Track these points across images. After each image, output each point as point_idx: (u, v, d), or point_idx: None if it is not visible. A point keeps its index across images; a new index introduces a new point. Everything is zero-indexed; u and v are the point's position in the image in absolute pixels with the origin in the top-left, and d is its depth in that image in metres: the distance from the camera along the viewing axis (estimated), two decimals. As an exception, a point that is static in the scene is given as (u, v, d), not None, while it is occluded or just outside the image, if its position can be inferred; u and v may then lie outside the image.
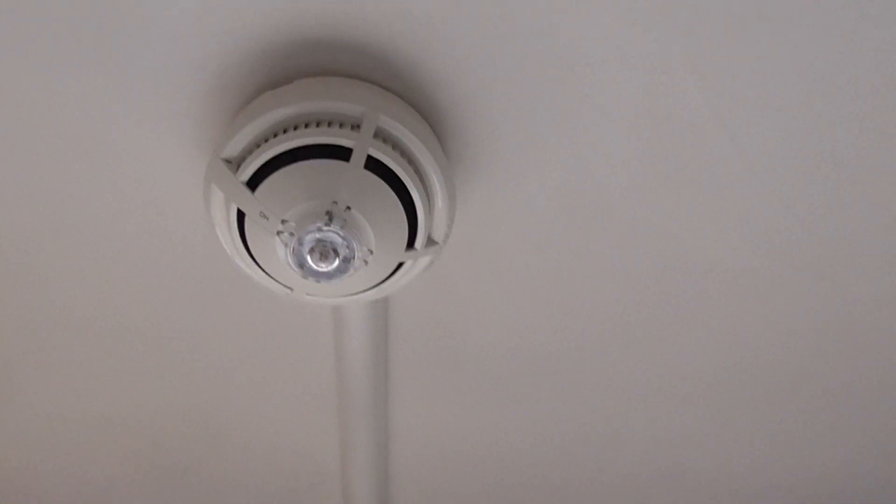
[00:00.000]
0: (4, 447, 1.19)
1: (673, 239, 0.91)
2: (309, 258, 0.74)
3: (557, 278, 0.96)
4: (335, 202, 0.73)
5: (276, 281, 0.81)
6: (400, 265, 0.81)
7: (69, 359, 1.07)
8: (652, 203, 0.87)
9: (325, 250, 0.74)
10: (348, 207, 0.74)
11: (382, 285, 0.83)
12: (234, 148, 0.77)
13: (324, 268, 0.74)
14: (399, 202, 0.76)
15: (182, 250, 0.94)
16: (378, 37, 0.76)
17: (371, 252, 0.76)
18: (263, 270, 0.80)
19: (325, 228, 0.73)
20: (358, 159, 0.74)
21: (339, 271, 0.75)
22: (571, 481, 1.24)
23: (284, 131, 0.75)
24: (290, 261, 0.75)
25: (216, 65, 0.78)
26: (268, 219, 0.75)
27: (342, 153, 0.74)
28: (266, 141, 0.76)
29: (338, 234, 0.73)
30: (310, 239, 0.74)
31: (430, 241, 0.82)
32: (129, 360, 1.07)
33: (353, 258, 0.75)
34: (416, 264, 0.83)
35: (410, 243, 0.80)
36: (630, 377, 1.07)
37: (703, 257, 0.93)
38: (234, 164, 0.77)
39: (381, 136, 0.76)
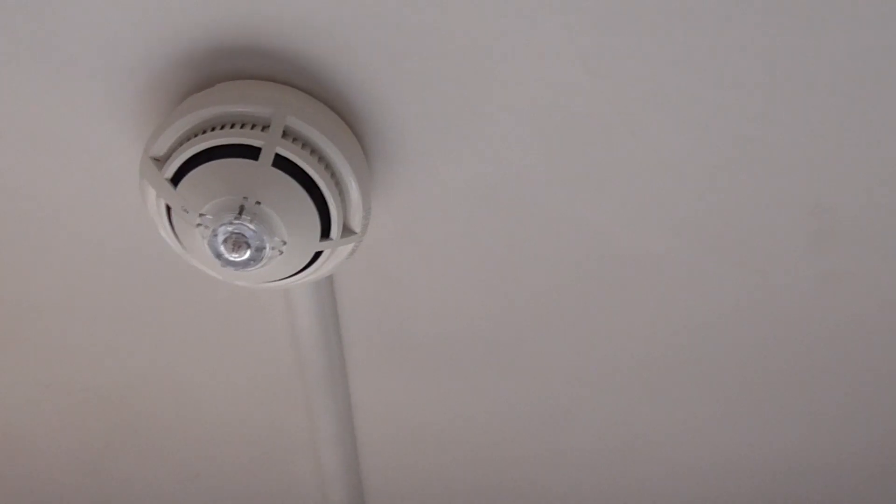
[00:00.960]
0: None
1: (586, 226, 0.95)
2: (223, 248, 0.81)
3: (484, 263, 1.02)
4: (246, 197, 0.80)
5: (209, 269, 0.89)
6: (318, 253, 0.87)
7: (51, 335, 1.16)
8: (563, 192, 0.92)
9: (237, 241, 0.81)
10: (258, 202, 0.80)
11: (307, 270, 0.90)
12: (160, 147, 0.84)
13: (236, 257, 0.81)
14: (308, 196, 0.82)
15: (136, 235, 1.02)
16: (293, 42, 0.82)
17: (284, 243, 0.83)
18: (192, 256, 0.88)
19: (237, 221, 0.80)
20: (266, 158, 0.80)
21: (253, 260, 0.82)
22: (517, 449, 1.30)
23: (204, 132, 0.82)
24: (208, 250, 0.82)
25: (147, 69, 0.85)
26: (188, 213, 0.82)
27: (254, 152, 0.81)
28: (188, 140, 0.83)
29: (247, 226, 0.80)
30: (223, 231, 0.81)
31: (348, 231, 0.88)
32: (102, 338, 1.16)
33: (265, 248, 0.82)
34: (338, 252, 0.89)
35: (326, 234, 0.86)
36: (551, 359, 1.12)
37: (618, 245, 0.97)
38: (161, 161, 0.84)
39: (290, 135, 0.82)
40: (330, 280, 1.06)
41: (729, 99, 0.83)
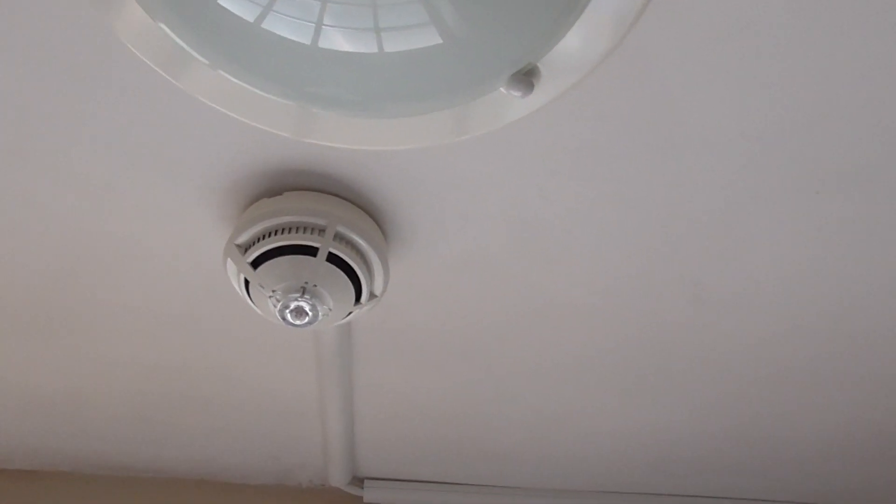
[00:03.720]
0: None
1: (535, 284, 1.35)
2: (289, 315, 1.17)
3: (455, 301, 1.40)
4: (307, 282, 1.15)
5: (268, 317, 1.24)
6: (350, 312, 1.24)
7: (119, 327, 1.51)
8: (519, 262, 1.31)
9: (300, 311, 1.16)
10: (315, 285, 1.16)
11: (343, 320, 1.26)
12: (243, 238, 1.18)
13: (298, 322, 1.17)
14: (349, 280, 1.18)
15: (206, 274, 1.36)
16: (339, 165, 1.15)
17: (330, 310, 1.19)
18: (259, 311, 1.23)
19: (300, 299, 1.16)
20: (322, 255, 1.15)
21: (309, 323, 1.18)
22: (465, 412, 1.72)
23: (277, 232, 1.16)
24: (277, 315, 1.18)
25: (230, 175, 1.18)
26: (263, 288, 1.17)
27: (312, 250, 1.16)
28: (265, 237, 1.17)
29: (307, 302, 1.16)
30: (290, 305, 1.16)
31: (372, 296, 1.24)
32: (172, 337, 1.51)
33: (318, 315, 1.18)
34: (365, 308, 1.25)
35: (357, 299, 1.22)
36: (499, 358, 1.54)
37: (546, 293, 1.37)
38: (243, 248, 1.18)
39: (338, 237, 1.17)
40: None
41: (626, 209, 1.21)
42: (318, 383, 1.61)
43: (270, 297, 1.17)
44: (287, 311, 1.16)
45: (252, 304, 1.23)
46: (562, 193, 1.17)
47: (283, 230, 1.16)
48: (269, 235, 1.17)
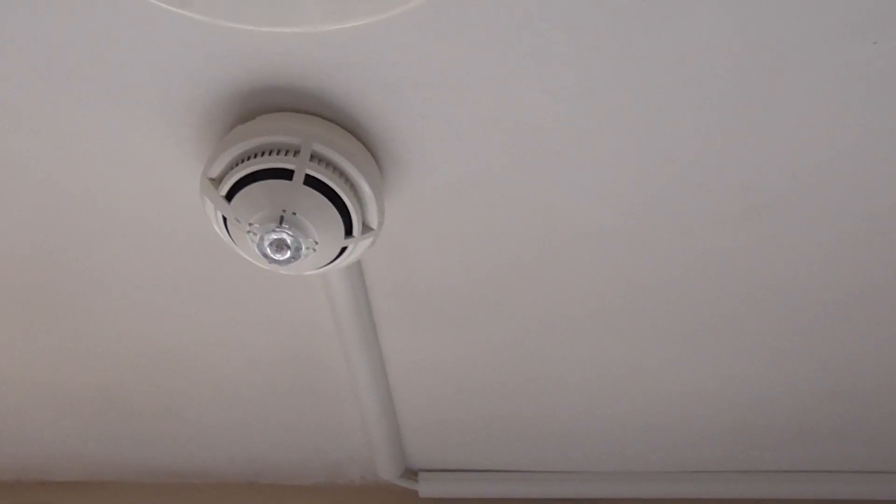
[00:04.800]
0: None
1: (541, 205, 1.18)
2: (269, 250, 1.04)
3: (469, 240, 1.24)
4: (284, 210, 1.02)
5: (256, 262, 1.11)
6: (344, 248, 1.09)
7: (125, 305, 1.41)
8: (525, 182, 1.14)
9: (280, 244, 1.03)
10: (294, 213, 1.02)
11: (338, 260, 1.12)
12: (215, 169, 1.06)
13: (280, 257, 1.04)
14: (333, 206, 1.04)
15: (197, 230, 1.25)
16: (317, 80, 1.02)
17: (317, 242, 1.05)
18: (244, 254, 1.11)
19: (278, 229, 1.02)
20: (298, 178, 1.02)
21: (293, 258, 1.05)
22: (509, 383, 1.54)
23: (249, 158, 1.04)
24: (257, 251, 1.05)
25: (198, 105, 1.06)
26: (240, 222, 1.04)
27: (289, 173, 1.03)
28: (238, 164, 1.04)
29: (288, 232, 1.03)
30: (268, 237, 1.03)
31: (367, 228, 1.10)
32: (178, 310, 1.41)
33: (302, 248, 1.04)
34: (360, 244, 1.11)
35: (349, 232, 1.08)
36: (530, 309, 1.36)
37: (568, 219, 1.19)
38: (217, 180, 1.06)
39: (316, 158, 1.03)
40: (353, 264, 1.29)
41: (652, 105, 1.03)
42: (344, 355, 1.47)
43: (248, 231, 1.04)
44: (266, 245, 1.04)
45: (235, 248, 1.11)
46: (561, 82, 1.00)
47: (254, 155, 1.04)
48: (241, 163, 1.04)
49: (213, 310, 1.41)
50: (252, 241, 1.04)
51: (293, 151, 1.03)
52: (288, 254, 1.04)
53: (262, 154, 1.04)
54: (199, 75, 1.03)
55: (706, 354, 1.42)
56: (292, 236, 1.03)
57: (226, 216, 1.06)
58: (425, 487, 1.78)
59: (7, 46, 0.99)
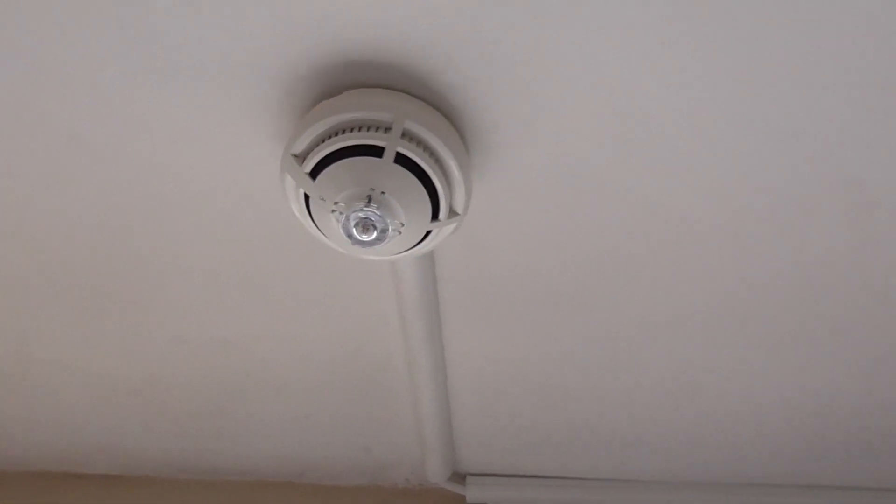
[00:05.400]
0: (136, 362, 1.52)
1: (646, 199, 1.12)
2: (355, 230, 0.99)
3: (558, 231, 1.19)
4: (373, 188, 0.98)
5: (336, 244, 1.07)
6: (429, 232, 1.05)
7: (188, 295, 1.37)
8: (626, 173, 1.08)
9: (366, 224, 0.99)
10: (383, 192, 0.98)
11: (419, 246, 1.07)
12: (299, 146, 1.01)
13: (365, 238, 0.99)
14: (422, 186, 0.99)
15: (268, 214, 1.20)
16: (410, 56, 0.98)
17: (403, 224, 1.00)
18: (325, 235, 1.06)
19: (366, 208, 0.98)
20: (389, 156, 0.97)
21: (378, 240, 1.00)
22: (580, 384, 1.47)
23: (336, 134, 0.99)
24: (342, 232, 1.00)
25: (283, 79, 1.02)
26: (325, 201, 1.00)
27: (378, 151, 0.98)
28: (323, 141, 1.00)
29: (375, 212, 0.98)
30: (355, 216, 0.98)
31: (453, 213, 1.05)
32: (234, 298, 1.36)
33: (388, 230, 1.00)
34: (443, 230, 1.06)
35: (435, 216, 1.03)
36: (618, 309, 1.30)
37: (673, 214, 1.13)
38: (301, 157, 1.02)
39: (407, 136, 0.99)
40: (428, 252, 1.24)
41: (769, 97, 0.98)
42: (406, 353, 1.42)
43: (333, 210, 1.00)
44: (352, 225, 0.99)
45: (317, 231, 1.06)
46: (683, 74, 0.96)
47: (343, 131, 0.99)
48: (327, 139, 1.00)
49: (273, 300, 1.36)
50: (337, 220, 0.99)
51: (384, 128, 0.99)
52: (374, 234, 0.99)
53: (351, 130, 0.99)
54: (283, 48, 0.98)
55: (797, 361, 1.36)
56: (380, 216, 0.98)
57: (309, 194, 1.01)
58: (473, 492, 1.73)
59: (82, 19, 0.95)
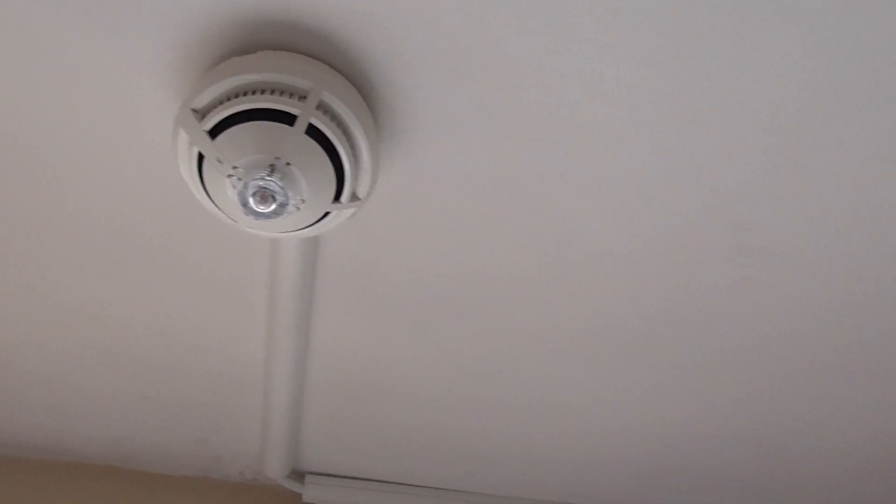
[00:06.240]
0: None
1: (555, 218, 1.10)
2: (251, 200, 0.92)
3: (462, 239, 1.15)
4: (278, 157, 0.90)
5: (224, 213, 0.99)
6: (326, 213, 0.99)
7: (49, 252, 1.23)
8: (540, 188, 1.06)
9: (265, 195, 0.91)
10: (288, 163, 0.91)
11: (311, 227, 1.00)
12: (201, 101, 0.93)
13: (263, 209, 0.92)
14: (331, 164, 0.93)
15: (151, 172, 1.10)
16: (333, 23, 0.92)
17: (303, 201, 0.94)
18: (214, 203, 0.98)
19: (268, 178, 0.90)
20: (301, 125, 0.91)
21: (275, 213, 0.93)
22: (444, 391, 1.44)
23: (245, 94, 0.92)
24: (237, 199, 0.92)
25: (194, 27, 0.93)
26: (222, 163, 0.92)
27: (289, 118, 0.91)
28: (229, 99, 0.92)
29: (277, 183, 0.91)
30: (254, 185, 0.91)
31: (354, 197, 1.00)
32: (96, 257, 1.23)
33: (288, 204, 0.93)
34: (341, 214, 1.01)
35: (337, 197, 0.97)
36: (499, 321, 1.28)
37: (575, 234, 1.13)
38: (200, 113, 0.93)
39: (322, 108, 0.93)
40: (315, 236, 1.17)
41: (678, 142, 0.99)
42: (268, 339, 1.34)
43: (231, 175, 0.92)
44: (250, 193, 0.91)
45: (205, 196, 0.98)
46: (615, 91, 0.95)
47: (252, 92, 0.92)
48: (235, 98, 0.92)
49: (136, 265, 1.25)
50: (234, 186, 0.91)
51: (298, 96, 0.92)
52: (272, 207, 0.92)
53: (262, 92, 0.92)
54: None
55: (668, 391, 1.39)
56: (281, 188, 0.91)
57: (204, 154, 0.93)
58: (311, 491, 1.66)
59: None
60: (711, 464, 1.53)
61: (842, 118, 0.96)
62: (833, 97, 0.94)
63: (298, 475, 1.67)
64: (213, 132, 0.92)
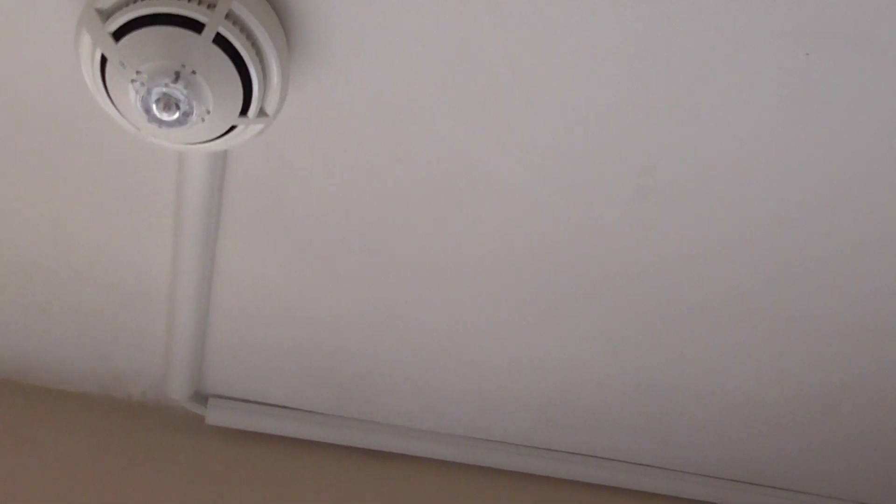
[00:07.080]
0: None
1: (458, 148, 1.12)
2: (154, 107, 0.90)
3: (368, 164, 1.15)
4: (184, 65, 0.89)
5: (126, 120, 0.97)
6: (233, 127, 0.98)
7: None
8: (445, 116, 1.08)
9: (168, 102, 0.90)
10: (194, 72, 0.90)
11: (216, 141, 1.00)
12: (106, 1, 0.90)
13: (166, 117, 0.91)
14: (238, 76, 0.93)
15: (51, 79, 1.07)
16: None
17: (208, 112, 0.93)
18: (117, 109, 0.96)
19: (172, 85, 0.89)
20: (208, 34, 0.90)
21: (179, 122, 0.92)
22: (349, 319, 1.45)
23: (151, -3, 0.90)
24: (139, 106, 0.91)
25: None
26: (125, 67, 0.90)
27: (198, 26, 0.90)
28: (135, 1, 0.90)
29: (181, 91, 0.90)
30: (157, 91, 0.90)
31: (262, 113, 0.99)
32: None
33: (192, 114, 0.92)
34: (248, 129, 1.00)
35: (244, 111, 0.96)
36: (402, 250, 1.30)
37: (478, 166, 1.15)
38: (105, 15, 0.91)
39: (231, 17, 0.91)
40: (224, 150, 1.16)
41: (584, 80, 1.01)
42: (174, 256, 1.33)
43: (133, 80, 0.90)
44: (153, 100, 0.90)
45: (108, 101, 0.96)
46: (528, 18, 0.96)
47: (161, -5, 0.90)
48: (143, 0, 0.90)
49: (37, 173, 1.22)
50: (137, 91, 0.90)
51: (207, 4, 0.90)
52: (176, 115, 0.91)
53: (170, -3, 0.90)
54: None
55: (549, 326, 1.43)
56: (185, 97, 0.90)
57: (108, 57, 0.91)
58: (214, 414, 1.66)
59: None
60: (607, 403, 1.59)
61: (736, 64, 0.99)
62: (728, 46, 0.97)
63: (202, 398, 1.67)
64: (118, 35, 0.90)
